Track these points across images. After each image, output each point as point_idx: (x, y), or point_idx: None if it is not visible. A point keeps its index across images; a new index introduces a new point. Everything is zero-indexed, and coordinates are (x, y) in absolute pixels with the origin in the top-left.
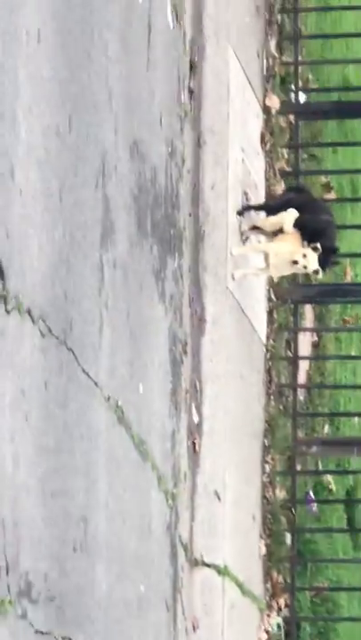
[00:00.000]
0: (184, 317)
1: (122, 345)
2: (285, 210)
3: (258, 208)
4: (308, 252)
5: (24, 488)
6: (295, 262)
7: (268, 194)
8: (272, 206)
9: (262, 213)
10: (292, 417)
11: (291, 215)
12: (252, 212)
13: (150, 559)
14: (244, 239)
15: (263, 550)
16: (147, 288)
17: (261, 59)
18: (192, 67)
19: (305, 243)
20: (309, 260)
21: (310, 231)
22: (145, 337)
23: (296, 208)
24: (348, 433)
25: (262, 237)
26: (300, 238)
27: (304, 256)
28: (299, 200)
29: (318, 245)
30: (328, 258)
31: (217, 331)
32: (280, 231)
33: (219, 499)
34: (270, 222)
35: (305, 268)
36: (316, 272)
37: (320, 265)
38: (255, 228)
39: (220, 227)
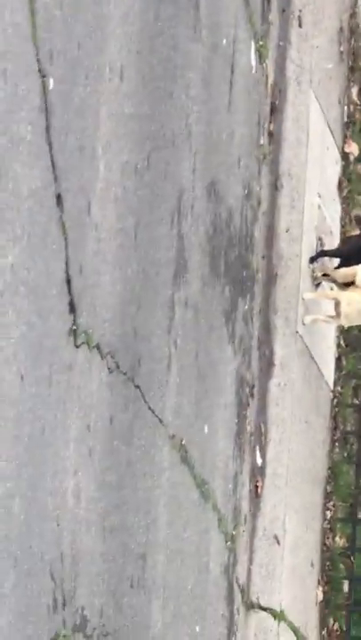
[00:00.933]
0: (252, 360)
1: (189, 384)
2: (358, 258)
3: (331, 254)
4: None
5: (85, 522)
6: None
7: (343, 236)
8: (345, 253)
9: (335, 260)
10: (355, 464)
11: None
12: (326, 259)
13: (207, 600)
14: (316, 284)
15: (320, 597)
16: (216, 328)
17: (342, 105)
18: (273, 110)
19: None
20: None
21: None
22: (212, 377)
23: None
24: None
25: (334, 284)
26: None
27: None
28: None
29: None
30: None
31: (285, 375)
32: (352, 283)
33: (278, 543)
34: (341, 274)
35: None
36: None
37: None
38: (326, 276)
39: (292, 270)
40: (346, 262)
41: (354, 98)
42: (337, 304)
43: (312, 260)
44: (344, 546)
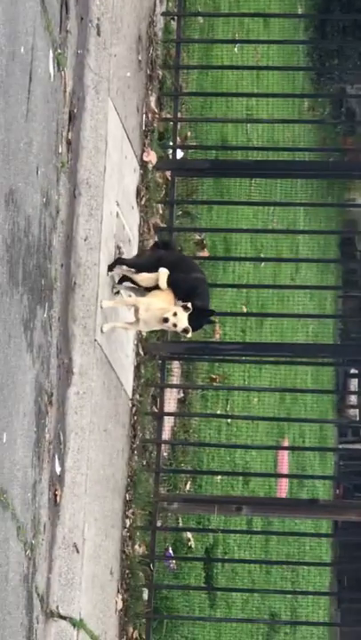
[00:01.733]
0: (51, 368)
1: None
2: (156, 268)
3: (129, 264)
4: (179, 310)
5: None
6: (165, 320)
7: (139, 248)
8: (143, 264)
9: (132, 270)
10: (154, 472)
11: (164, 274)
12: (124, 267)
13: (6, 609)
14: (115, 292)
15: (120, 605)
16: (15, 337)
17: (141, 113)
18: (71, 118)
19: (178, 301)
20: (179, 318)
21: (184, 290)
22: (11, 386)
23: (167, 266)
24: (210, 491)
25: (133, 293)
26: (172, 296)
27: (175, 314)
28: (169, 258)
29: (189, 305)
30: (202, 317)
31: (83, 383)
32: (154, 287)
33: (77, 551)
34: (144, 278)
35: (175, 326)
36: (185, 331)
37: (191, 324)
38: (126, 279)
39: (91, 279)
40: (144, 272)
41: (152, 106)
42: (136, 310)
43: (110, 268)
44: (144, 554)
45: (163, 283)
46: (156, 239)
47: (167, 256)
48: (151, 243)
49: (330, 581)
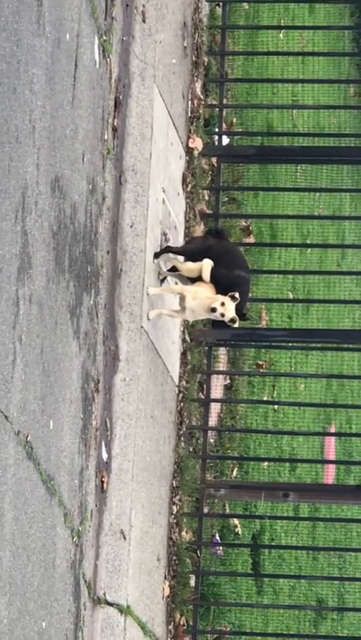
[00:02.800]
0: (98, 355)
1: (34, 380)
2: (203, 258)
3: (176, 252)
4: (227, 300)
5: None
6: (213, 310)
7: (188, 236)
8: (190, 252)
9: (180, 258)
10: (201, 459)
11: (207, 266)
12: (170, 256)
13: (53, 596)
14: (162, 280)
15: (167, 591)
16: (62, 324)
17: (187, 100)
18: (117, 105)
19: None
20: (227, 307)
21: (223, 286)
22: (58, 373)
23: (213, 258)
24: (257, 477)
25: (179, 279)
26: (213, 289)
27: (222, 304)
28: (217, 249)
29: (237, 295)
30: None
31: (130, 369)
32: (197, 278)
33: (124, 538)
34: (188, 268)
35: (222, 315)
36: (232, 321)
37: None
38: (173, 271)
39: (137, 265)
40: (190, 260)
41: (198, 93)
42: (182, 298)
43: (157, 255)
44: (190, 540)
45: (206, 275)
46: (209, 228)
47: (216, 247)
48: (199, 230)
49: None
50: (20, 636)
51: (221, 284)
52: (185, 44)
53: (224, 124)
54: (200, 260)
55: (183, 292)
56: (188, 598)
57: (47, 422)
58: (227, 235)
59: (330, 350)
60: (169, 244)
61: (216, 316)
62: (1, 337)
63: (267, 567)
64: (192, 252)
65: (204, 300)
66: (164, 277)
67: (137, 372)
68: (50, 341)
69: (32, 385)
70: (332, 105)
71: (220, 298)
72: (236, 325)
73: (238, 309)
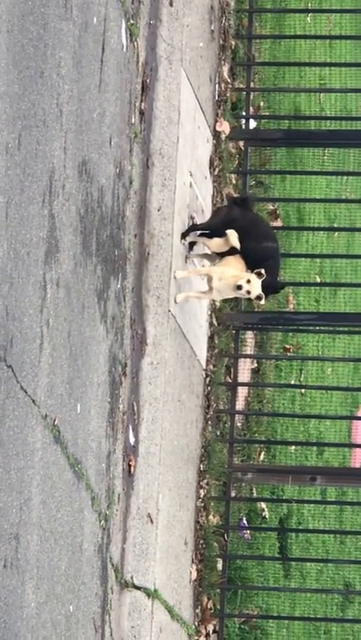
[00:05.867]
0: (125, 339)
1: (61, 364)
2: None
3: (202, 227)
4: (253, 277)
5: None
6: (239, 287)
7: (214, 208)
8: (216, 226)
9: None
10: (228, 443)
11: (233, 234)
12: (197, 233)
13: (80, 579)
14: (189, 263)
15: (194, 575)
16: (89, 308)
17: (214, 83)
18: (144, 88)
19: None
20: (253, 285)
21: (252, 260)
22: (85, 357)
23: (239, 231)
24: (284, 461)
25: (206, 262)
26: (243, 263)
27: (248, 281)
28: (243, 221)
29: (263, 271)
30: (268, 291)
31: (157, 353)
32: (226, 253)
33: (151, 522)
34: (216, 243)
35: (248, 293)
36: (258, 298)
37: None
38: (194, 244)
39: (164, 249)
40: (219, 236)
41: (225, 76)
42: (209, 279)
43: (183, 235)
44: (218, 524)
45: (235, 242)
46: (234, 198)
47: (241, 218)
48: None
49: None
50: (48, 620)
51: (250, 257)
52: (212, 28)
53: (251, 108)
54: (225, 234)
55: (210, 272)
56: (215, 582)
57: (74, 406)
58: (252, 203)
59: (357, 334)
60: (194, 223)
61: (242, 293)
62: (28, 321)
63: (294, 551)
64: (217, 226)
65: (229, 279)
66: (192, 261)
67: (164, 355)
68: (77, 325)
69: (59, 369)
70: (360, 88)
71: (246, 275)
72: (263, 302)
73: (272, 281)
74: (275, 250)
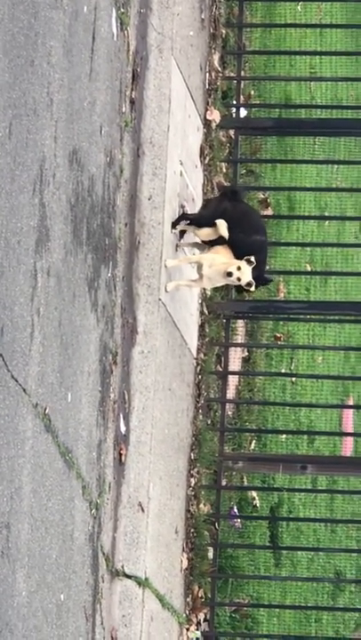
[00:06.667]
0: (115, 327)
1: (52, 353)
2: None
3: (192, 217)
4: (243, 264)
5: None
6: (229, 274)
7: (205, 199)
8: (205, 217)
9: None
10: (219, 432)
11: (222, 224)
12: (187, 222)
13: (71, 568)
14: (179, 251)
15: (185, 564)
16: (79, 297)
17: (204, 72)
18: (134, 77)
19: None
20: (243, 272)
21: (241, 253)
22: (76, 345)
23: (229, 221)
24: (275, 450)
25: (196, 250)
26: (231, 254)
27: (238, 268)
28: (233, 212)
29: (252, 259)
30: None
31: (148, 342)
32: (215, 242)
33: (142, 510)
34: (205, 232)
35: (238, 280)
36: (249, 285)
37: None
38: (184, 233)
39: (155, 238)
40: (207, 226)
41: (215, 65)
42: (199, 267)
43: (174, 225)
44: (208, 513)
45: (224, 231)
46: (224, 188)
47: (232, 209)
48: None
49: None
50: (39, 609)
51: (239, 249)
52: (203, 17)
53: (242, 97)
54: (215, 225)
55: (200, 260)
56: (206, 571)
57: (65, 395)
58: (242, 195)
59: (348, 322)
60: (185, 212)
61: (232, 280)
62: (19, 309)
63: (285, 539)
64: (207, 217)
65: (220, 266)
66: (182, 249)
67: (155, 344)
68: (68, 314)
69: (50, 357)
70: (350, 77)
71: (236, 262)
72: (253, 289)
73: (260, 274)
74: (263, 243)
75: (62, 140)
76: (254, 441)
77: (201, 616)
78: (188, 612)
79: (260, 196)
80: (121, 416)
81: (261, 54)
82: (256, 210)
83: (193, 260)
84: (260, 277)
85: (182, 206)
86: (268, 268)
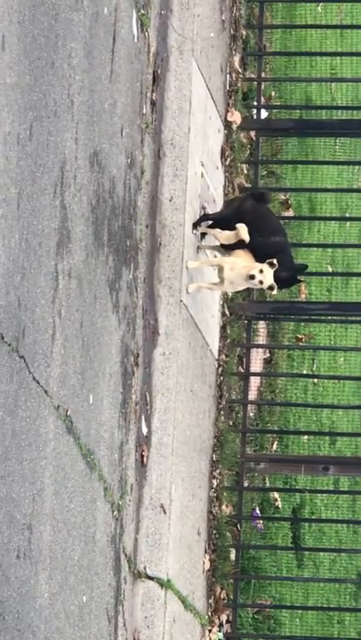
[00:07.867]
0: (137, 329)
1: (74, 354)
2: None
3: (213, 218)
4: (265, 267)
5: None
6: (251, 277)
7: (227, 200)
8: (226, 218)
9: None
10: (241, 433)
11: (243, 227)
12: (208, 225)
13: (94, 570)
14: (201, 253)
15: (207, 565)
16: (101, 298)
17: (225, 73)
18: (155, 79)
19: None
20: (266, 275)
21: (262, 255)
22: (97, 347)
23: (248, 224)
24: (297, 451)
25: (218, 253)
26: (252, 257)
27: (260, 271)
28: (253, 215)
29: (275, 261)
30: (289, 282)
31: (169, 344)
32: (235, 246)
33: (164, 512)
34: (226, 236)
35: (261, 283)
36: (271, 288)
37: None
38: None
39: (176, 239)
40: (228, 228)
41: (236, 66)
42: (220, 270)
43: (195, 225)
44: (230, 514)
45: (245, 235)
46: (251, 191)
47: (251, 213)
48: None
49: None
50: (61, 610)
51: (260, 252)
52: (223, 18)
53: (262, 98)
54: (235, 228)
55: (221, 263)
56: (228, 572)
57: (87, 396)
58: (268, 198)
59: None
60: (206, 212)
61: (255, 283)
62: (40, 311)
63: (307, 541)
64: (228, 218)
65: (241, 269)
66: (203, 251)
67: (176, 345)
68: (89, 316)
69: (71, 359)
70: None
71: (259, 265)
72: (275, 292)
73: (291, 274)
74: (283, 244)
75: (83, 141)
76: (276, 442)
77: (223, 617)
78: (210, 614)
79: (282, 197)
80: (143, 418)
81: (282, 55)
82: (273, 212)
83: (214, 263)
84: (292, 278)
85: (203, 207)
86: None
